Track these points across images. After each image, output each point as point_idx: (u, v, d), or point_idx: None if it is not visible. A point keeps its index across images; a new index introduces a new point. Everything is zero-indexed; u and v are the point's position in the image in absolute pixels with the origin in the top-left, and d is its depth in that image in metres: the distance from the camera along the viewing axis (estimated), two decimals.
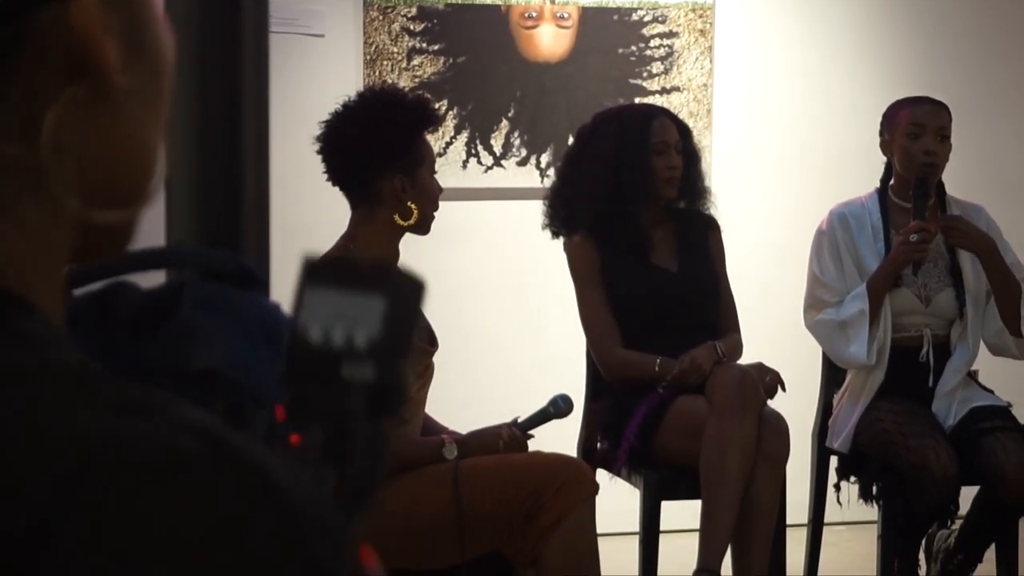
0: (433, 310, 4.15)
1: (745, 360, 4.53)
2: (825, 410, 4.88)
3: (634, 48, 6.15)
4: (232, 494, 0.68)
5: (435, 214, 3.89)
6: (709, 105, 6.20)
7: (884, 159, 4.76)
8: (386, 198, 3.78)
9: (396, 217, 3.80)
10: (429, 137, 3.90)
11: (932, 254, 4.63)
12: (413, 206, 3.79)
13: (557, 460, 3.79)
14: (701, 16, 6.19)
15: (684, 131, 4.66)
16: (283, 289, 1.09)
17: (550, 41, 6.09)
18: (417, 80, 5.95)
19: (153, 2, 0.85)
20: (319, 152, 3.82)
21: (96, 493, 0.65)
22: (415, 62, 5.99)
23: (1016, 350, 4.68)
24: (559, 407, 4.04)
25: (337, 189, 3.86)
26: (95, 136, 0.80)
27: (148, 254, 1.28)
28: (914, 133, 4.62)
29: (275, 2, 5.51)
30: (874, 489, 4.58)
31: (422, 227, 3.84)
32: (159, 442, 0.68)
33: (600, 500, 3.87)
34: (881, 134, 4.74)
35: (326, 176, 3.84)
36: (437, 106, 5.85)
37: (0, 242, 0.76)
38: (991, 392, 4.71)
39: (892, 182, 4.74)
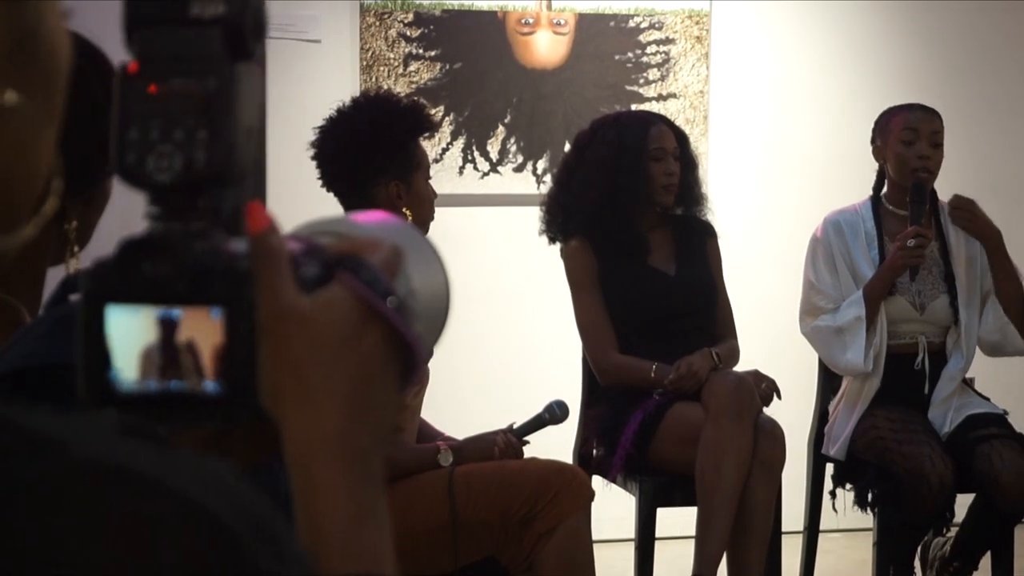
0: None
1: (741, 367, 4.53)
2: (821, 417, 4.88)
3: (630, 55, 6.15)
4: (147, 526, 0.64)
5: (432, 218, 3.89)
6: (705, 112, 6.20)
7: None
8: (381, 204, 3.77)
9: (396, 217, 3.79)
10: (425, 143, 3.89)
11: (927, 261, 4.63)
12: (408, 212, 3.79)
13: (552, 466, 3.78)
14: (698, 23, 6.19)
15: (682, 138, 4.66)
16: None
17: (547, 47, 6.09)
18: (413, 86, 5.95)
19: (49, 9, 0.80)
20: (314, 158, 3.81)
21: (8, 545, 0.62)
22: (411, 68, 5.99)
23: (1019, 340, 4.66)
24: (555, 413, 4.03)
25: (332, 194, 3.85)
26: None
27: None
28: (908, 139, 4.62)
29: (272, 7, 5.50)
30: (870, 496, 4.58)
31: None
32: (57, 485, 0.64)
33: (596, 507, 3.87)
34: (873, 141, 4.75)
35: (321, 182, 3.84)
36: (433, 112, 5.84)
37: None
38: (987, 400, 4.71)
39: (885, 189, 4.75)
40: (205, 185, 0.89)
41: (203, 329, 0.87)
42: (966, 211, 4.60)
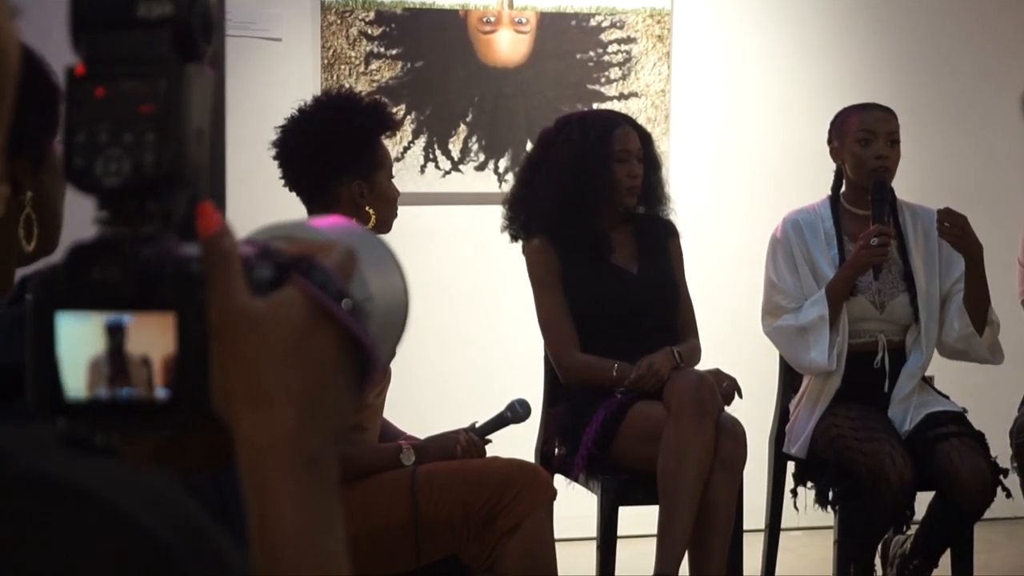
0: None
1: (703, 366, 4.54)
2: (782, 416, 4.89)
3: (592, 53, 6.16)
4: (79, 539, 0.64)
5: (395, 217, 3.88)
6: (667, 111, 6.21)
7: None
8: (343, 203, 3.76)
9: (353, 222, 3.78)
10: (387, 142, 3.88)
11: (887, 260, 4.65)
12: (371, 211, 3.78)
13: (514, 465, 3.78)
14: (659, 22, 6.20)
15: (645, 139, 4.66)
16: None
17: (508, 46, 6.09)
18: (375, 84, 5.94)
19: None
20: (275, 157, 3.79)
21: None
22: (373, 66, 5.97)
23: (983, 351, 4.67)
24: (516, 412, 4.03)
25: (294, 193, 3.84)
26: None
27: None
28: (864, 139, 4.64)
29: (233, 5, 5.48)
30: (830, 494, 4.59)
31: (380, 230, 3.83)
32: None
33: (558, 505, 3.87)
34: (830, 142, 4.76)
35: (282, 181, 3.82)
36: (395, 111, 5.83)
37: None
38: (947, 398, 4.73)
39: (844, 189, 4.76)
40: (155, 188, 0.87)
41: (153, 334, 0.86)
42: (958, 228, 4.55)
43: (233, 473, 0.86)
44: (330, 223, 1.01)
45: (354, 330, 0.89)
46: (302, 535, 0.84)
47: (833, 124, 4.77)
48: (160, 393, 0.86)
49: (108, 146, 0.86)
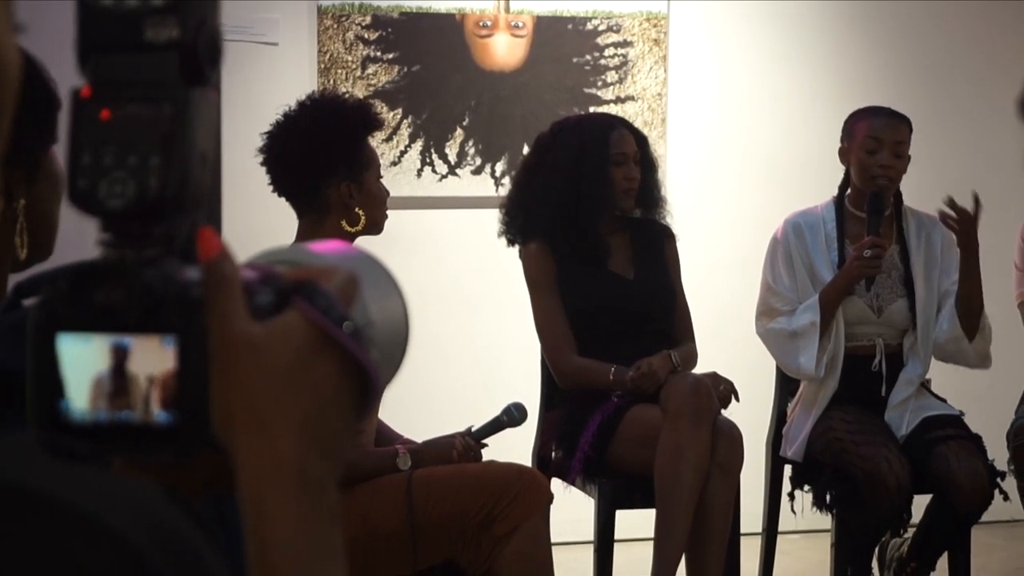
0: None
1: (700, 369, 4.54)
2: (779, 419, 4.89)
3: (588, 57, 6.16)
4: (53, 548, 0.63)
5: (386, 217, 3.87)
6: (663, 114, 6.21)
7: (839, 168, 4.77)
8: (333, 205, 3.75)
9: (344, 223, 3.77)
10: (384, 145, 3.88)
11: (886, 265, 4.65)
12: (360, 212, 3.77)
13: (511, 469, 3.78)
14: (655, 26, 6.20)
15: (642, 141, 4.66)
16: None
17: (505, 50, 6.09)
18: (371, 89, 5.93)
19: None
20: (263, 163, 3.77)
21: None
22: (369, 71, 5.97)
23: (972, 357, 4.68)
24: (513, 416, 4.03)
25: (284, 198, 3.82)
26: None
27: None
28: (871, 148, 4.62)
29: (229, 10, 5.48)
30: (828, 498, 4.59)
31: (372, 230, 3.82)
32: None
33: (555, 509, 3.87)
34: (841, 141, 4.74)
35: (271, 187, 3.80)
36: (391, 115, 5.83)
37: None
38: (944, 401, 4.73)
39: (849, 191, 4.75)
40: (158, 211, 0.87)
41: (155, 358, 0.86)
42: (966, 223, 4.50)
43: (233, 491, 0.85)
44: (330, 247, 1.02)
45: (356, 355, 0.89)
46: (302, 560, 0.84)
47: (844, 125, 4.74)
48: (161, 417, 0.86)
49: (113, 169, 0.86)
